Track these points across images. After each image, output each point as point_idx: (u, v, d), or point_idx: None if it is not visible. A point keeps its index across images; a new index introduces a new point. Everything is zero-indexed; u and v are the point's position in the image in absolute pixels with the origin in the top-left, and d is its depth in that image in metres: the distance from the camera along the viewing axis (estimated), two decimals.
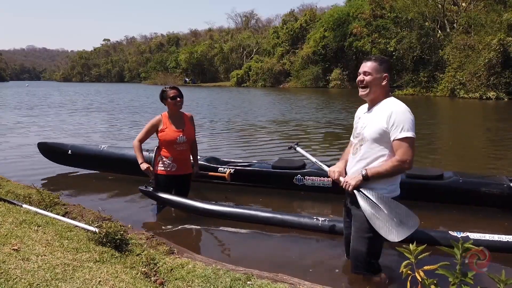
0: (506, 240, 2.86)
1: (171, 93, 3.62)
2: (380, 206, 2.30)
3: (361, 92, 2.44)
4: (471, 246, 1.58)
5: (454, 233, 2.93)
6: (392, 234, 2.23)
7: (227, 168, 4.58)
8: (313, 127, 11.19)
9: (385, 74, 2.39)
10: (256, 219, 3.49)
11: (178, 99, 3.62)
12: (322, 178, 4.26)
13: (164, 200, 3.74)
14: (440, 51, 29.15)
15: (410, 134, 2.26)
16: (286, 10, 59.47)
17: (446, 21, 31.50)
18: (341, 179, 2.54)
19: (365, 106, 2.58)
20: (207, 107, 18.83)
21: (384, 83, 2.39)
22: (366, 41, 37.80)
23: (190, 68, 69.32)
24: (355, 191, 2.43)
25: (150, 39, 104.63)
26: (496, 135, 9.98)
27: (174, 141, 3.60)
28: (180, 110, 3.72)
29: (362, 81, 2.41)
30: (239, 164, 4.81)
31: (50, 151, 5.53)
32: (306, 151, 3.31)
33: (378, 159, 2.38)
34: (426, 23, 31.59)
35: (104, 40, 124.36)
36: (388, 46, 33.83)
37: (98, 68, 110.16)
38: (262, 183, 4.61)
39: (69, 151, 5.31)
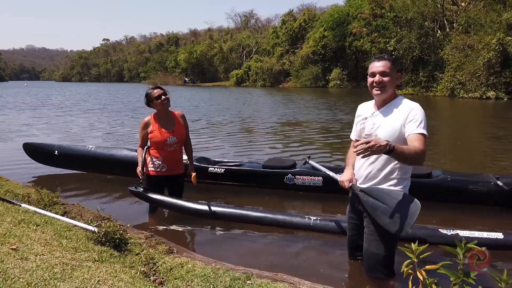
0: (495, 237, 2.88)
1: (155, 93, 3.50)
2: (379, 200, 2.29)
3: (376, 92, 2.34)
4: (474, 246, 1.57)
5: (444, 231, 2.95)
6: (396, 227, 2.21)
7: (216, 166, 4.57)
8: (331, 129, 11.06)
9: (399, 73, 2.37)
10: (247, 219, 3.47)
11: (163, 97, 3.49)
12: (312, 178, 4.27)
13: (154, 201, 3.68)
14: (440, 51, 29.18)
15: (425, 131, 2.21)
16: (286, 10, 59.51)
17: (445, 21, 31.53)
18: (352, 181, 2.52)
19: (369, 105, 2.50)
20: (210, 108, 18.79)
21: (397, 82, 2.37)
22: (365, 40, 37.86)
23: (189, 68, 69.42)
24: (356, 190, 2.42)
25: (150, 39, 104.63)
26: (497, 134, 9.97)
27: (164, 143, 3.53)
28: (169, 109, 3.62)
29: (380, 82, 2.30)
30: (229, 164, 4.76)
31: (36, 152, 5.42)
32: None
33: (391, 162, 2.32)
34: (426, 23, 31.62)
35: (104, 40, 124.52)
36: (387, 45, 33.85)
37: (97, 68, 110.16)
38: (252, 183, 4.58)
39: (56, 151, 5.22)
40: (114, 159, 4.95)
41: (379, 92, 2.33)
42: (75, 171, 5.43)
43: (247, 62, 59.62)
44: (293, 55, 49.62)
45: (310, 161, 3.52)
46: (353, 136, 2.60)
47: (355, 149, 2.00)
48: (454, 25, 30.79)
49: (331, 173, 3.02)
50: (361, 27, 38.72)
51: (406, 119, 2.24)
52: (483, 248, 1.59)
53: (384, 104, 2.38)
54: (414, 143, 2.16)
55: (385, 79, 2.30)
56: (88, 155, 5.10)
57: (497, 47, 22.93)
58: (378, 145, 1.97)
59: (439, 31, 31.37)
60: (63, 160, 5.27)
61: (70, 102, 22.56)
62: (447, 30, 30.97)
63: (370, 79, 2.37)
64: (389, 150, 2.02)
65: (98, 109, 17.57)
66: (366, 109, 2.51)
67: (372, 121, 2.41)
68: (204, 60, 68.67)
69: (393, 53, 32.87)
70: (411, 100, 2.36)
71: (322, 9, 60.32)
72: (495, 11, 25.82)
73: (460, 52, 26.24)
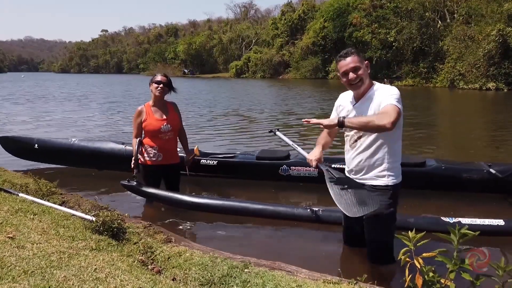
0: (496, 224, 2.92)
1: (158, 77, 3.54)
2: (346, 185, 2.42)
3: (355, 87, 2.37)
4: (468, 232, 1.56)
5: (447, 219, 2.97)
6: (351, 209, 2.33)
7: (208, 158, 4.50)
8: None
9: (366, 62, 2.39)
10: (247, 212, 3.41)
11: (161, 85, 3.49)
12: (307, 168, 4.19)
13: (148, 195, 3.61)
14: (440, 41, 29.02)
15: (398, 104, 2.23)
16: (285, 0, 59.02)
17: (446, 11, 31.30)
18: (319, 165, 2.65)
19: (349, 95, 2.52)
20: (208, 99, 18.71)
21: (369, 70, 2.40)
22: (366, 31, 37.60)
23: (189, 59, 69.06)
24: (323, 168, 2.58)
25: (149, 30, 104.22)
26: (496, 125, 9.96)
27: (159, 130, 3.51)
28: (164, 99, 3.62)
29: (356, 78, 2.32)
30: (222, 155, 4.65)
31: (14, 145, 5.13)
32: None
33: (380, 149, 2.37)
34: (426, 14, 31.39)
35: (102, 31, 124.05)
36: (388, 36, 33.66)
37: (96, 59, 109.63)
38: (246, 175, 4.48)
39: (36, 145, 4.95)
40: (99, 152, 4.75)
41: (358, 86, 2.36)
42: (58, 165, 5.23)
43: (246, 53, 59.34)
44: (293, 46, 49.38)
45: (278, 133, 3.49)
46: None
47: (305, 122, 2.43)
48: (455, 15, 30.59)
49: (299, 149, 3.06)
50: (361, 18, 38.44)
51: (382, 101, 2.27)
52: (477, 233, 1.58)
53: (363, 95, 2.40)
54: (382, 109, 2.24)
55: (360, 73, 2.33)
56: (71, 149, 4.85)
57: (497, 38, 22.81)
58: (321, 123, 2.33)
59: (439, 21, 31.17)
60: (44, 154, 5.03)
61: (72, 95, 22.46)
62: (448, 20, 30.78)
63: (344, 79, 2.38)
64: (340, 124, 2.26)
65: (99, 102, 17.50)
66: (346, 100, 2.54)
67: (354, 113, 2.43)
68: (204, 51, 68.31)
69: (393, 43, 32.75)
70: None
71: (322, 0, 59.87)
72: (496, 2, 25.65)
73: (460, 43, 26.12)
